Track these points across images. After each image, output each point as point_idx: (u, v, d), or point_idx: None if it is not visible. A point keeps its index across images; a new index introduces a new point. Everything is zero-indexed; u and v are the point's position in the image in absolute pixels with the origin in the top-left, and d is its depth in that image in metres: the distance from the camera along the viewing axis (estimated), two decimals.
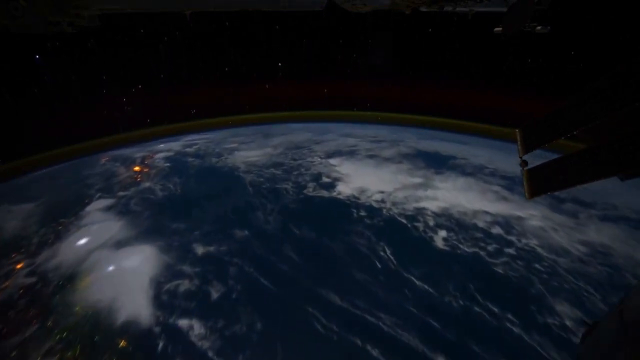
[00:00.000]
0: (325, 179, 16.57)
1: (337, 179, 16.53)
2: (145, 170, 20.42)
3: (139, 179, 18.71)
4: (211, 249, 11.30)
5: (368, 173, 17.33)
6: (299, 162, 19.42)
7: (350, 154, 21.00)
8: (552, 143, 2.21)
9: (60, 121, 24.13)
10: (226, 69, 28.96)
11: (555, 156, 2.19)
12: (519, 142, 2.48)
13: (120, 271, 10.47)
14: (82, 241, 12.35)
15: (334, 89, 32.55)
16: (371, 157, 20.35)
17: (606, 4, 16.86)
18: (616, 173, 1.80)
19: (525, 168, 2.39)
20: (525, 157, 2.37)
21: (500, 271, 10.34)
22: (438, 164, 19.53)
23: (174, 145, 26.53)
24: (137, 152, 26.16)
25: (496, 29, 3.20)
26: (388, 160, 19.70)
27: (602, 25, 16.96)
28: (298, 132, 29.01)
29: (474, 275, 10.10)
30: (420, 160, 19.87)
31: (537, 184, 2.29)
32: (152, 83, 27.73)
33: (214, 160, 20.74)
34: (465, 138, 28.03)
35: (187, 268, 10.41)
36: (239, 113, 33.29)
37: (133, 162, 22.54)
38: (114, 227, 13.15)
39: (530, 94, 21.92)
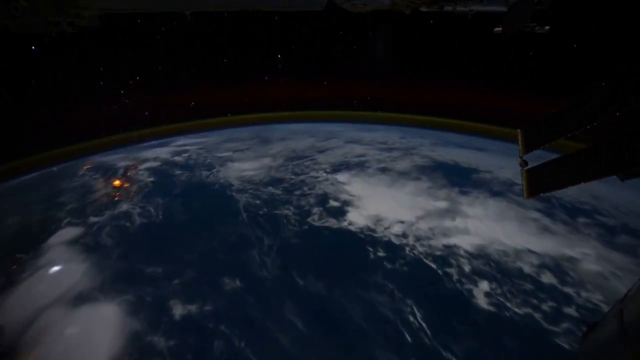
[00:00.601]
0: (333, 203, 14.10)
1: (347, 203, 14.07)
2: (126, 185, 17.94)
3: (116, 198, 16.24)
4: (192, 308, 8.91)
5: (382, 194, 14.85)
6: (302, 177, 16.93)
7: (359, 166, 18.49)
8: (552, 143, 2.23)
9: (46, 123, 22.82)
10: (225, 68, 28.03)
11: (555, 156, 2.19)
12: (520, 142, 2.53)
13: (73, 345, 8.10)
14: (35, 292, 9.96)
15: (335, 88, 31.69)
16: (383, 171, 17.84)
17: (606, 4, 16.61)
18: (615, 172, 1.82)
19: (525, 168, 2.43)
20: (522, 158, 2.42)
21: (565, 345, 7.99)
22: (461, 179, 17.07)
23: (163, 152, 23.99)
24: (122, 159, 23.73)
25: (496, 29, 3.08)
26: (404, 175, 17.21)
27: (602, 25, 16.80)
28: (299, 137, 26.41)
29: (534, 353, 7.75)
30: (440, 175, 17.39)
31: (537, 184, 2.33)
32: (146, 83, 26.56)
33: (204, 174, 18.23)
34: (481, 142, 25.58)
35: (159, 340, 8.04)
36: (238, 113, 32.25)
37: (114, 174, 20.05)
38: (77, 270, 10.75)
39: (530, 94, 21.68)
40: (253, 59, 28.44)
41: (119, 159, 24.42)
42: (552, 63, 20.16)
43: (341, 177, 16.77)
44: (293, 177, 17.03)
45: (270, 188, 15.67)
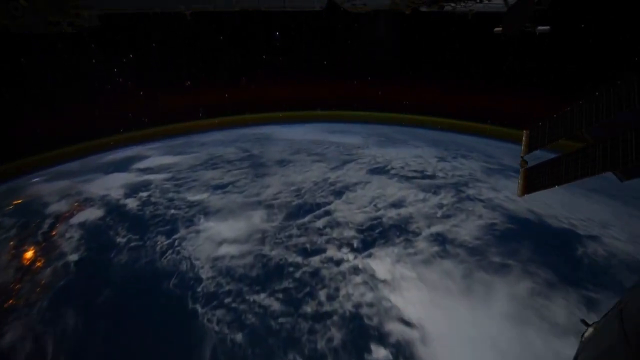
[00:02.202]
0: (377, 349, 7.68)
1: (403, 349, 7.67)
2: (38, 265, 11.46)
3: (11, 301, 9.81)
4: None
5: (460, 320, 8.39)
6: (313, 261, 10.43)
7: (402, 233, 11.91)
8: (556, 144, 2.35)
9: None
10: (222, 68, 27.47)
11: (553, 156, 2.29)
12: (523, 143, 2.61)
13: None
14: None
15: (336, 88, 31.00)
16: (443, 244, 11.30)
17: (606, 4, 16.78)
18: (606, 170, 1.90)
19: (524, 168, 2.52)
20: (523, 157, 2.53)
21: None
22: (567, 263, 10.68)
23: (117, 184, 17.37)
24: (65, 191, 17.38)
25: (496, 29, 3.12)
26: (478, 256, 10.68)
27: (602, 25, 17.07)
28: (304, 160, 19.67)
29: None
30: (532, 253, 10.94)
31: (533, 183, 2.41)
32: (126, 85, 24.97)
33: (159, 245, 11.65)
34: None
35: None
36: (235, 113, 30.63)
37: (36, 230, 13.56)
38: None
39: (531, 94, 21.74)
40: (252, 59, 27.65)
41: (61, 189, 17.88)
42: (552, 63, 20.19)
43: (379, 264, 10.23)
44: (299, 260, 10.51)
45: (262, 295, 9.16)
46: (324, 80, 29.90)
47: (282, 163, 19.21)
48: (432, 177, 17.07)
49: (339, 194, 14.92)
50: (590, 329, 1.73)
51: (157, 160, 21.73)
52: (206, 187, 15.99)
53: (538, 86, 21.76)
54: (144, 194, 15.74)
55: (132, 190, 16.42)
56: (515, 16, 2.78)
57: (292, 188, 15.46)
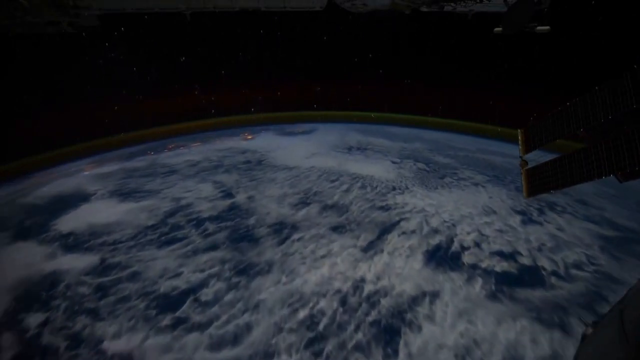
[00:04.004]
0: None
1: None
2: None
3: None
4: None
5: None
6: None
7: None
8: (552, 143, 2.21)
9: None
10: (219, 69, 25.83)
11: (554, 156, 2.18)
12: (520, 143, 2.53)
13: None
14: None
15: (341, 89, 28.55)
16: None
17: (606, 4, 16.63)
18: (613, 172, 1.81)
19: (525, 168, 2.44)
20: (523, 158, 2.41)
21: None
22: None
23: (9, 280, 10.19)
24: None
25: (496, 29, 3.08)
26: None
27: (602, 25, 16.97)
28: (318, 226, 12.45)
29: None
30: None
31: (537, 184, 2.31)
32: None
33: None
34: None
35: None
36: (228, 114, 27.43)
37: None
38: None
39: (532, 94, 21.07)
40: (252, 60, 26.16)
41: None
42: (552, 63, 19.92)
43: None
44: None
45: None
46: (330, 80, 27.45)
47: (281, 232, 11.95)
48: (536, 273, 10.02)
49: (389, 335, 7.89)
50: (590, 329, 1.65)
51: (93, 210, 14.42)
52: (146, 305, 8.88)
53: (539, 86, 20.79)
54: (37, 319, 8.68)
55: (25, 300, 9.37)
56: (515, 16, 2.71)
57: (301, 316, 8.38)
